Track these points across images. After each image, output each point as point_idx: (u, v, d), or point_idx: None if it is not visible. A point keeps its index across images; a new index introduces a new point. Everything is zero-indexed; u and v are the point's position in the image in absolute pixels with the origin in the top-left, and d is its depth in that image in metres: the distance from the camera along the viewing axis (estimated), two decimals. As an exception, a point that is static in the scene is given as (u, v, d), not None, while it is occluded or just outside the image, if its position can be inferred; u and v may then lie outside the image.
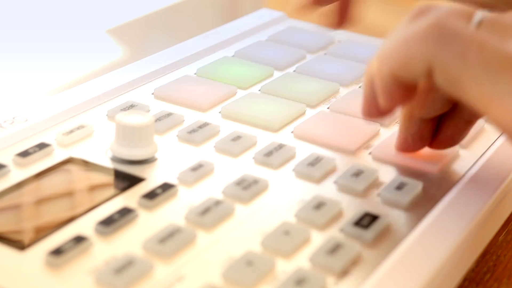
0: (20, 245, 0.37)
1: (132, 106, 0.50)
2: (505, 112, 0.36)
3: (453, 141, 0.45)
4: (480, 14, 0.39)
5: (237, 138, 0.46)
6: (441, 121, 0.44)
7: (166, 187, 0.41)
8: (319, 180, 0.44)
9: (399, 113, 0.45)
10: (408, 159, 0.45)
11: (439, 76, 0.38)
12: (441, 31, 0.38)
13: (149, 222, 0.39)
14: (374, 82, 0.41)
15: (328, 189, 0.43)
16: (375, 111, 0.43)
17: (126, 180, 0.42)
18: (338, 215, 0.40)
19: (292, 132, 0.48)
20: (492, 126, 0.37)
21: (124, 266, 0.35)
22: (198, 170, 0.43)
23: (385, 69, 0.40)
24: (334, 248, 0.37)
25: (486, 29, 0.39)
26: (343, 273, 0.36)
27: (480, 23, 0.39)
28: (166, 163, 0.44)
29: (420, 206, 0.42)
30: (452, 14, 0.39)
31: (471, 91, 0.37)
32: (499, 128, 0.37)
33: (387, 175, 0.44)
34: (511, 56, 0.37)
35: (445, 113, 0.44)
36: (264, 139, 0.47)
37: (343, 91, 0.54)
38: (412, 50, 0.39)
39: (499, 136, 0.49)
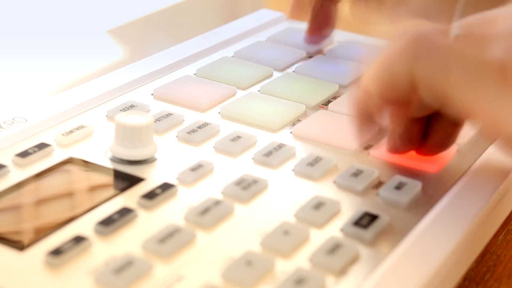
0: (19, 246, 0.37)
1: (131, 107, 0.50)
2: (488, 118, 0.37)
3: (442, 145, 0.45)
4: (456, 29, 0.40)
5: (236, 138, 0.47)
6: (428, 125, 0.44)
7: (165, 187, 0.41)
8: (318, 180, 0.44)
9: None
10: (408, 159, 0.45)
11: (423, 90, 0.39)
12: (421, 46, 0.39)
13: (149, 222, 0.39)
14: (367, 102, 0.42)
15: (327, 189, 0.43)
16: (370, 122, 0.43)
17: (125, 180, 0.42)
18: (337, 215, 0.41)
19: (291, 132, 0.48)
20: (479, 131, 0.38)
21: (124, 266, 0.35)
22: (198, 170, 0.43)
23: (374, 92, 0.41)
24: (334, 248, 0.37)
25: (463, 41, 0.39)
26: (343, 273, 0.36)
27: (457, 37, 0.40)
28: (166, 163, 0.44)
29: (420, 206, 0.42)
30: (430, 30, 0.40)
31: (455, 101, 0.38)
32: (485, 133, 0.39)
33: (387, 175, 0.44)
34: (490, 63, 0.38)
35: (432, 117, 0.44)
36: (264, 139, 0.47)
37: (342, 91, 0.54)
38: (394, 69, 0.40)
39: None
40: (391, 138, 0.45)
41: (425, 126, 0.44)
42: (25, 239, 0.37)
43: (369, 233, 0.39)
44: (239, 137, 0.47)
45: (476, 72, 0.38)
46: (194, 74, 0.56)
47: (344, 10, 0.57)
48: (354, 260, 0.37)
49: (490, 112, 0.37)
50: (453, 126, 0.44)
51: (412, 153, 0.46)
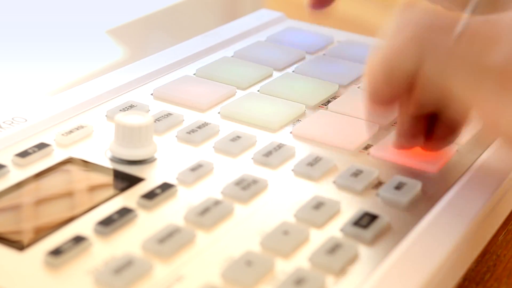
0: (19, 246, 0.37)
1: (131, 106, 0.50)
2: (487, 119, 0.39)
3: (446, 141, 0.45)
4: (461, 25, 0.40)
5: (236, 138, 0.47)
6: (432, 122, 0.44)
7: (165, 187, 0.41)
8: (318, 180, 0.44)
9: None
10: (407, 159, 0.45)
11: (422, 90, 0.40)
12: (424, 44, 0.40)
13: (149, 222, 0.39)
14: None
15: (327, 189, 0.43)
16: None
17: (125, 180, 0.42)
18: (337, 215, 0.41)
19: (291, 132, 0.48)
20: (479, 130, 0.39)
21: (123, 266, 0.35)
22: (198, 170, 0.43)
23: (373, 83, 0.42)
24: (333, 248, 0.37)
25: (467, 40, 0.40)
26: (342, 273, 0.36)
27: (462, 34, 0.40)
28: (166, 163, 0.44)
29: (419, 206, 0.42)
30: (433, 27, 0.40)
31: (455, 103, 0.39)
32: (485, 132, 0.40)
33: (386, 174, 0.44)
34: (490, 68, 0.38)
35: (437, 114, 0.44)
36: (263, 139, 0.47)
37: (342, 91, 0.54)
38: (395, 66, 0.41)
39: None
40: (396, 134, 0.45)
41: (428, 123, 0.45)
42: (25, 239, 0.37)
43: (369, 233, 0.39)
44: (239, 137, 0.47)
45: (475, 76, 0.38)
46: (194, 74, 0.56)
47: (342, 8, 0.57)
48: (353, 260, 0.37)
49: (489, 113, 0.38)
50: (457, 122, 0.44)
51: (412, 152, 0.46)
